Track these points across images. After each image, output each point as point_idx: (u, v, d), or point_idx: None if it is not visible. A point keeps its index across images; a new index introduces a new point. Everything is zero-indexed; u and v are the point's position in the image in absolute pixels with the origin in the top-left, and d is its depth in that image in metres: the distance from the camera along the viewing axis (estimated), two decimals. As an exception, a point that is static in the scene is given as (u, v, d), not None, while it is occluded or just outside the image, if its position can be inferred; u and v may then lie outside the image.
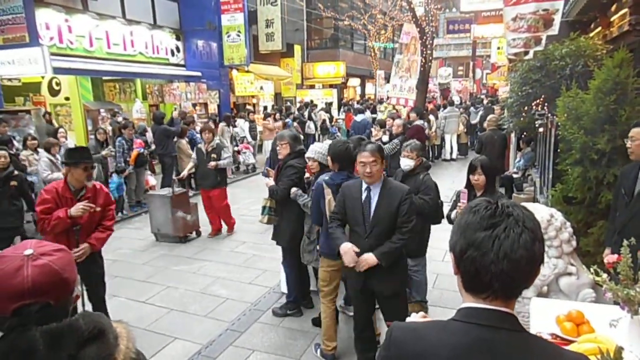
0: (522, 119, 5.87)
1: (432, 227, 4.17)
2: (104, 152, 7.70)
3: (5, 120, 7.02)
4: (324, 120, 15.55)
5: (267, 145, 7.13)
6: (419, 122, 9.42)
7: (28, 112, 8.57)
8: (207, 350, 3.77)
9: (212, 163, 6.26)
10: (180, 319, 4.31)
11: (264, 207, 4.42)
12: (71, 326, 1.07)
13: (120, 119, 9.94)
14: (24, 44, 8.38)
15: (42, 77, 10.10)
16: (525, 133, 6.72)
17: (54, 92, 10.70)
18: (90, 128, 10.65)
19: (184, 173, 7.17)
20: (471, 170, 3.45)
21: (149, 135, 9.16)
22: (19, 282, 1.06)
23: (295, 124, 13.05)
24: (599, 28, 6.33)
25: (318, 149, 3.84)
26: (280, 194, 4.06)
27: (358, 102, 19.74)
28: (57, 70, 9.05)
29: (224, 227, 6.90)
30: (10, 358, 1.02)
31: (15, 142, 6.91)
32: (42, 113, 9.27)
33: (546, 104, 5.14)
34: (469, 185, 3.48)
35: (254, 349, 3.76)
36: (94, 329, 1.09)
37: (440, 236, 4.15)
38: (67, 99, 10.72)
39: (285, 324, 4.16)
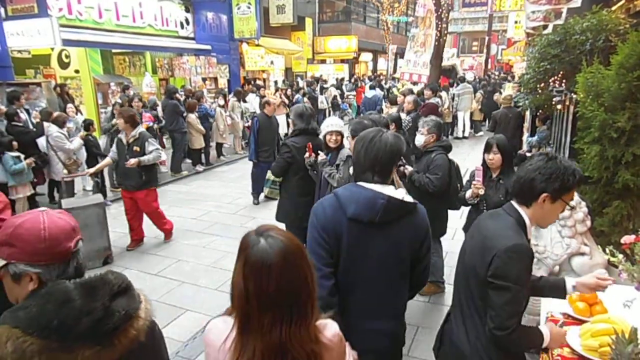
0: (538, 96, 5.71)
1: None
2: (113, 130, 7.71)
3: (21, 92, 7.04)
4: (334, 97, 15.37)
5: (279, 121, 6.95)
6: (433, 100, 9.22)
7: (39, 84, 8.57)
8: (217, 322, 3.83)
9: (133, 160, 4.87)
10: (191, 292, 4.38)
11: (267, 180, 4.62)
12: (103, 279, 1.16)
13: (130, 92, 9.91)
14: (33, 14, 8.30)
15: (52, 49, 10.06)
16: (540, 111, 6.55)
17: (63, 65, 10.67)
18: (100, 102, 10.65)
19: (91, 170, 5.60)
20: (487, 149, 3.34)
21: (160, 110, 9.13)
22: (65, 222, 1.21)
23: (305, 99, 12.91)
24: (622, 1, 6.07)
25: (340, 122, 3.81)
26: (275, 172, 4.17)
27: (370, 78, 19.44)
28: (66, 42, 9.00)
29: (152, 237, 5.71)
30: (48, 308, 1.06)
31: (23, 116, 6.90)
32: (53, 86, 9.26)
33: (564, 81, 4.98)
34: (485, 164, 3.39)
35: (263, 321, 3.81)
36: (123, 282, 1.18)
37: (449, 215, 4.12)
38: (77, 71, 10.70)
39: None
